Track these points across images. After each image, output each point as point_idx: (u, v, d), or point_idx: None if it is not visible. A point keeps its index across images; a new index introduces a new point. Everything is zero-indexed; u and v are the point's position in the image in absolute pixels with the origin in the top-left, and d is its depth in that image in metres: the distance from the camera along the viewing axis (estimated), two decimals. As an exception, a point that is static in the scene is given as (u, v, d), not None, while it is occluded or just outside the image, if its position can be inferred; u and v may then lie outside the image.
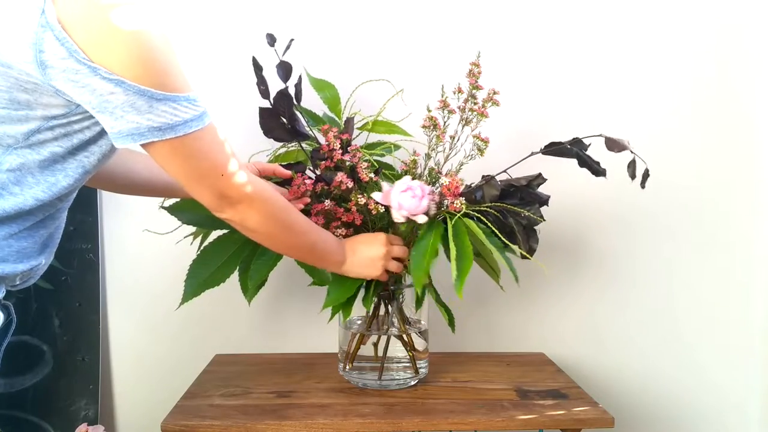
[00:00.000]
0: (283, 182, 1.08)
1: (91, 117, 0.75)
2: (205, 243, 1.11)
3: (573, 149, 1.05)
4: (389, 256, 1.03)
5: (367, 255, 1.02)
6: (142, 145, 0.75)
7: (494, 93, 1.08)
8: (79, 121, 0.76)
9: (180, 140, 0.75)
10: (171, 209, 1.08)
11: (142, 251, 1.35)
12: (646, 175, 1.02)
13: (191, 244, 1.14)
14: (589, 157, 1.05)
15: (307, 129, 1.06)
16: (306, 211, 1.03)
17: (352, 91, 1.16)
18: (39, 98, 0.72)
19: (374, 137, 1.19)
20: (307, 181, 1.05)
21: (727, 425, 1.43)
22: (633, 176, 1.01)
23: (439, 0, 1.35)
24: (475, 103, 1.08)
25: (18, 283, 0.85)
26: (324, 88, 1.17)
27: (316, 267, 1.07)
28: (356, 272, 1.03)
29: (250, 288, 1.07)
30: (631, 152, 1.00)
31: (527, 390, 1.13)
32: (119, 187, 1.05)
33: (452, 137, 1.10)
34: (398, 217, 1.00)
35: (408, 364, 1.13)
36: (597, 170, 1.04)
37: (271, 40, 0.99)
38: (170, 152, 0.77)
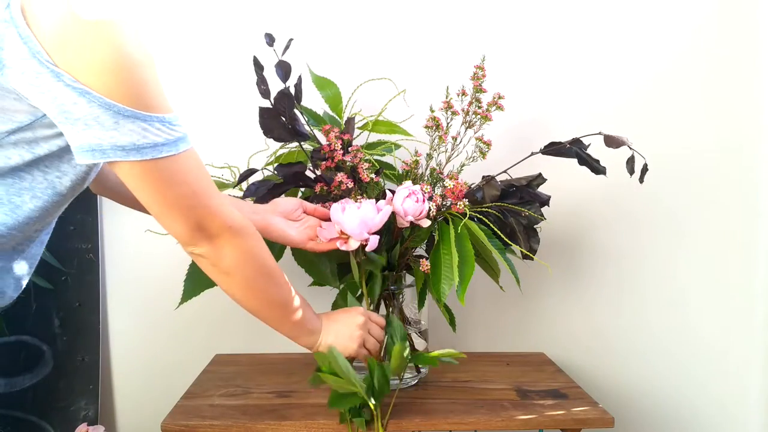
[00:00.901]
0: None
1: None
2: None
3: (573, 149, 1.05)
4: (366, 331, 0.97)
5: (345, 325, 0.95)
6: (108, 164, 0.68)
7: (499, 97, 1.08)
8: (46, 133, 0.69)
9: (149, 164, 0.67)
10: None
11: (142, 251, 1.34)
12: (644, 170, 1.03)
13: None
14: (588, 155, 1.06)
15: (308, 129, 1.06)
16: None
17: (354, 89, 1.16)
18: (0, 102, 0.65)
19: (374, 137, 1.19)
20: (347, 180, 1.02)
21: (727, 424, 1.43)
22: (632, 172, 1.03)
23: (441, 1, 1.35)
24: (479, 107, 1.08)
25: None
26: (326, 86, 1.17)
27: (283, 333, 0.94)
28: (331, 342, 0.94)
29: None
30: (630, 148, 1.02)
31: (527, 390, 1.13)
32: (129, 202, 1.00)
33: (454, 138, 1.10)
34: (403, 222, 1.01)
35: (408, 364, 1.13)
36: (597, 169, 1.05)
37: (270, 39, 0.99)
38: (138, 175, 0.69)
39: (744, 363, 1.42)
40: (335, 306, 1.07)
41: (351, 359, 0.96)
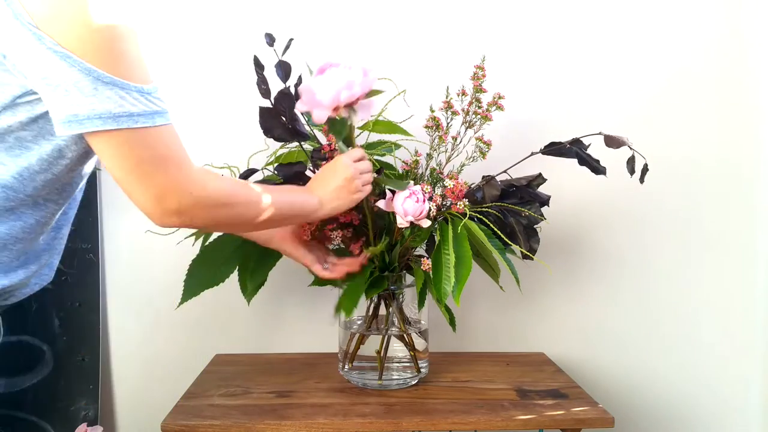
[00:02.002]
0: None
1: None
2: (206, 243, 1.11)
3: (573, 149, 1.05)
4: (357, 173, 0.95)
5: (335, 184, 0.93)
6: (85, 136, 0.67)
7: (499, 97, 1.08)
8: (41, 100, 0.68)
9: (123, 134, 0.66)
10: None
11: (142, 251, 1.34)
12: (644, 170, 1.04)
13: (193, 245, 1.14)
14: (588, 155, 1.06)
15: (307, 129, 1.06)
16: None
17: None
18: None
19: (374, 136, 1.19)
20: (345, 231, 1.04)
21: (727, 425, 1.43)
22: (632, 171, 1.03)
23: (441, 2, 1.35)
24: (479, 107, 1.08)
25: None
26: None
27: (298, 223, 0.99)
28: (335, 206, 0.94)
29: (250, 287, 1.07)
30: (630, 148, 1.02)
31: (527, 390, 1.13)
32: None
33: (454, 138, 1.10)
34: (403, 222, 1.01)
35: (408, 364, 1.13)
36: (597, 168, 1.05)
37: (270, 39, 0.99)
38: (112, 146, 0.67)
39: (744, 363, 1.42)
40: (339, 306, 1.06)
41: (359, 204, 0.98)
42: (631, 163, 1.03)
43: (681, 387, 1.42)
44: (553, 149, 1.07)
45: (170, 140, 0.71)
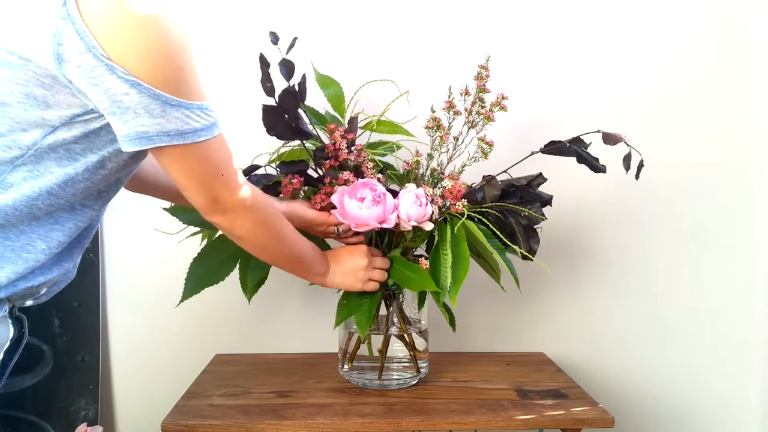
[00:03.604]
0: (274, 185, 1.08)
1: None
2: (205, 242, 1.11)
3: (573, 147, 1.05)
4: (371, 266, 1.04)
5: (349, 266, 1.03)
6: (152, 151, 0.75)
7: (503, 98, 1.08)
8: (97, 118, 0.75)
9: (187, 147, 0.75)
10: (172, 210, 1.08)
11: (142, 251, 1.34)
12: (640, 165, 1.04)
13: (201, 244, 1.13)
14: (588, 154, 1.06)
15: (310, 127, 1.06)
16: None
17: (357, 89, 1.15)
18: (55, 95, 0.71)
19: (375, 136, 1.19)
20: (294, 180, 1.04)
21: (727, 425, 1.43)
22: (628, 168, 1.04)
23: (443, 2, 1.35)
24: (482, 107, 1.08)
25: (28, 298, 0.83)
26: (329, 85, 1.16)
27: (299, 277, 1.05)
28: (338, 283, 1.03)
29: (250, 285, 1.07)
30: (627, 144, 1.02)
31: (527, 390, 1.13)
32: (157, 192, 1.05)
33: (456, 138, 1.10)
34: (406, 227, 1.01)
35: (408, 364, 1.13)
36: (596, 167, 1.05)
37: (274, 38, 0.99)
38: (176, 157, 0.77)
39: (744, 363, 1.42)
40: (341, 307, 1.06)
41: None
42: (627, 160, 1.03)
43: (681, 387, 1.42)
44: (553, 148, 1.06)
45: (224, 145, 0.81)
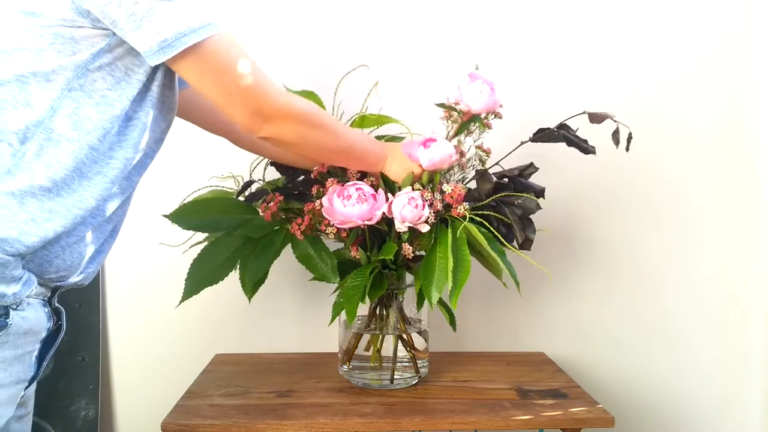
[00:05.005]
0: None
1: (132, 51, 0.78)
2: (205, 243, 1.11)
3: (561, 133, 1.05)
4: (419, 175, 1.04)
5: (403, 164, 1.03)
6: (174, 67, 0.79)
7: (499, 106, 1.07)
8: (123, 56, 0.79)
9: (202, 47, 0.77)
10: (171, 216, 1.08)
11: (142, 251, 1.35)
12: (629, 138, 1.03)
13: (202, 241, 1.13)
14: (577, 136, 1.06)
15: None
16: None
17: (335, 87, 1.13)
18: (79, 31, 0.76)
19: (374, 136, 1.19)
20: (271, 204, 1.05)
21: (727, 425, 1.43)
22: (617, 143, 1.03)
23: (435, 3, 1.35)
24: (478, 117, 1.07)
25: (56, 279, 0.81)
26: (306, 97, 1.15)
27: (359, 169, 1.05)
28: (399, 167, 1.03)
29: (249, 284, 1.07)
30: (613, 121, 1.02)
31: (527, 390, 1.13)
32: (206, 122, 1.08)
33: (462, 154, 1.09)
34: (401, 227, 1.01)
35: (408, 364, 1.13)
36: (586, 149, 1.05)
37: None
38: (198, 65, 0.79)
39: (744, 363, 1.42)
40: (336, 306, 1.06)
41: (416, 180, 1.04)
42: (616, 135, 1.03)
43: (681, 387, 1.42)
44: (542, 135, 1.06)
45: (237, 42, 0.82)
